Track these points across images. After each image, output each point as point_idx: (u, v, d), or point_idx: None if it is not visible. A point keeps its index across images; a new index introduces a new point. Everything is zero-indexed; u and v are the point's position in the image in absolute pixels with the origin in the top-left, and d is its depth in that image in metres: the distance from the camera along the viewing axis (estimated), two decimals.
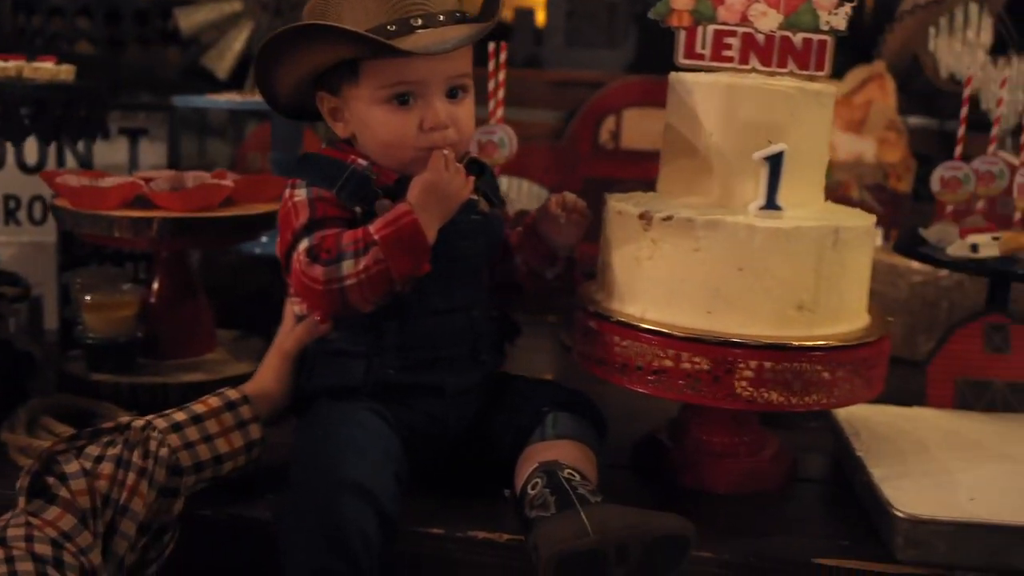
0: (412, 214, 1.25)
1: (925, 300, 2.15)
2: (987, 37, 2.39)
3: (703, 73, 1.44)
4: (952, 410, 1.66)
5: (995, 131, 1.80)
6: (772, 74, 1.44)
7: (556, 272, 1.51)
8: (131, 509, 1.18)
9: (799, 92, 1.36)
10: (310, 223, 1.30)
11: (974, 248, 1.65)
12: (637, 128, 2.45)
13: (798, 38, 1.44)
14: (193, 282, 1.78)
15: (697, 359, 1.32)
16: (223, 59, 2.45)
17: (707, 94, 1.39)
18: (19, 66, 1.86)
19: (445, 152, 1.30)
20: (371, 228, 1.26)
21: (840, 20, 1.43)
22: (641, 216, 1.37)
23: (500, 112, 1.84)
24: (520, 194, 2.49)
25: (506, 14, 2.73)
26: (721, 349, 1.31)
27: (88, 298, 1.67)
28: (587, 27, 2.90)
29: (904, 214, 2.36)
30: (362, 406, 1.33)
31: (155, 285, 1.76)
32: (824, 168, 1.46)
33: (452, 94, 1.33)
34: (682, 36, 1.45)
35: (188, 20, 2.46)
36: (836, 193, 2.37)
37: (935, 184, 1.76)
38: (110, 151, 2.27)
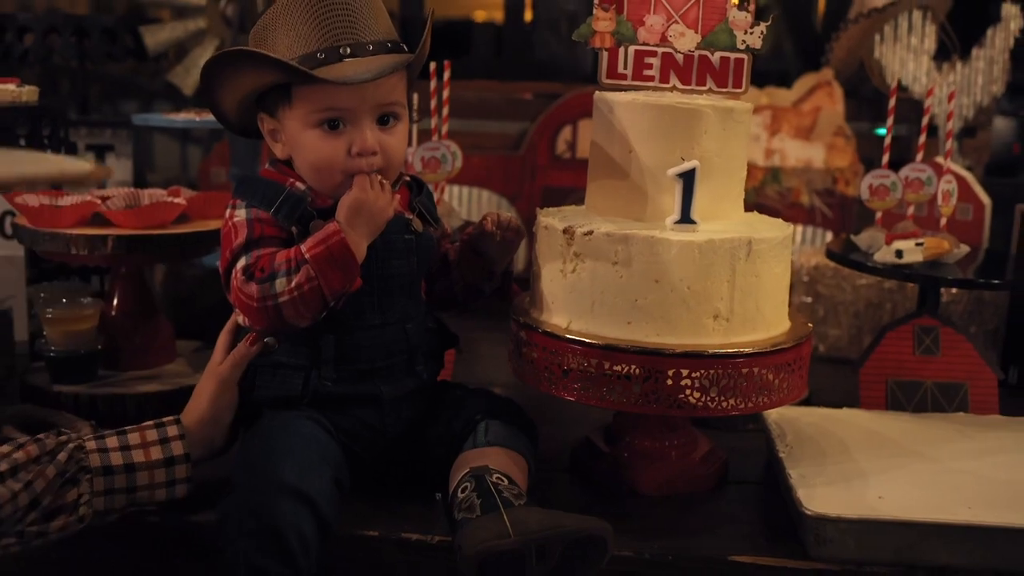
0: (340, 233, 1.32)
1: (869, 302, 2.21)
2: (931, 44, 2.45)
3: (623, 92, 1.50)
4: (880, 411, 1.72)
5: (949, 143, 1.86)
6: (692, 91, 1.51)
7: (493, 286, 1.58)
8: (32, 485, 1.22)
9: (712, 110, 1.42)
10: (248, 242, 1.37)
11: (899, 254, 1.71)
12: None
13: (716, 57, 1.51)
14: (151, 296, 1.85)
15: (618, 367, 1.39)
16: (188, 75, 2.51)
17: (626, 112, 1.46)
18: None
19: (370, 173, 1.36)
20: (303, 247, 1.32)
21: (755, 39, 1.50)
22: (564, 231, 1.44)
23: (445, 128, 1.90)
24: (480, 203, 2.55)
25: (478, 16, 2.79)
26: (640, 357, 1.38)
27: (49, 313, 1.74)
28: (548, 38, 2.97)
29: (852, 218, 2.42)
30: (302, 414, 1.40)
31: (114, 299, 1.83)
32: (742, 181, 1.53)
33: (383, 121, 1.40)
34: (604, 57, 1.51)
35: (154, 38, 2.52)
36: (786, 199, 2.44)
37: (864, 192, 1.82)
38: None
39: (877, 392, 1.78)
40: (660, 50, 1.51)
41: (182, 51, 2.54)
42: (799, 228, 2.46)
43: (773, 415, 1.65)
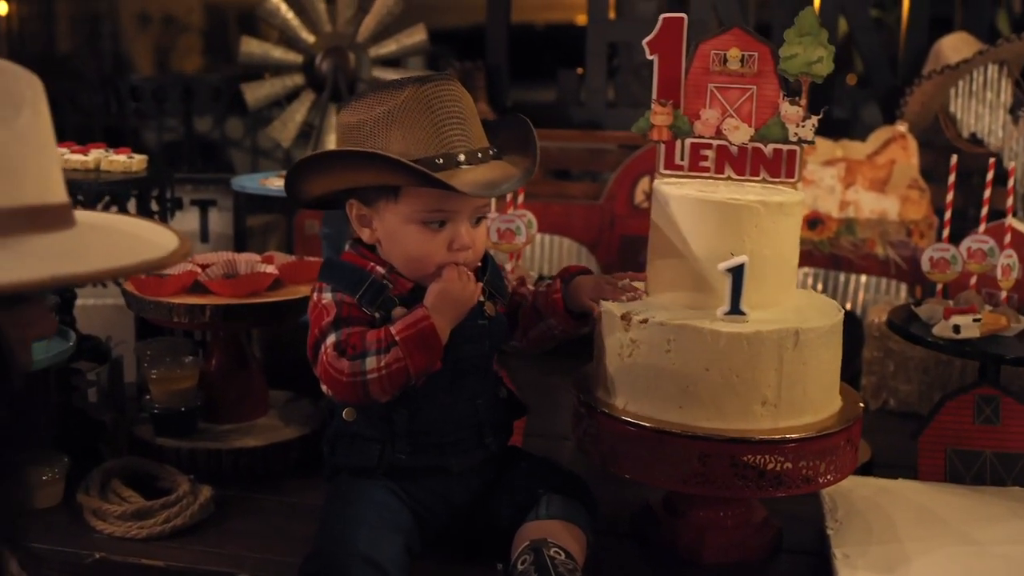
0: (430, 318, 1.44)
1: (939, 359, 2.24)
2: (1007, 97, 2.46)
3: (678, 184, 1.58)
4: (935, 483, 1.76)
5: (1010, 201, 1.88)
6: (746, 181, 1.58)
7: (592, 326, 1.66)
8: None
9: (762, 205, 1.50)
10: (337, 320, 1.49)
11: (956, 329, 1.75)
12: None
13: (769, 149, 1.58)
14: (246, 356, 2.00)
15: (669, 451, 1.47)
16: (286, 129, 2.66)
17: (679, 206, 1.54)
18: (98, 158, 2.11)
19: (459, 263, 1.47)
20: (392, 329, 1.44)
21: (807, 131, 1.56)
22: (622, 317, 1.53)
23: (521, 198, 2.00)
24: (561, 251, 2.65)
25: None
26: (690, 441, 1.46)
27: (154, 373, 1.90)
28: (631, 87, 3.05)
29: None
30: (377, 484, 1.53)
31: (212, 359, 1.98)
32: (793, 269, 1.59)
33: (477, 220, 1.52)
34: (662, 149, 1.60)
35: (254, 94, 2.68)
36: (861, 251, 2.47)
37: (925, 264, 1.86)
38: (184, 220, 2.52)
39: (936, 461, 1.82)
40: (715, 142, 1.59)
41: (280, 106, 2.69)
42: (872, 280, 2.49)
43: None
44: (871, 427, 2.19)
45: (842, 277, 2.51)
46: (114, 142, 2.29)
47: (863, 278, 2.49)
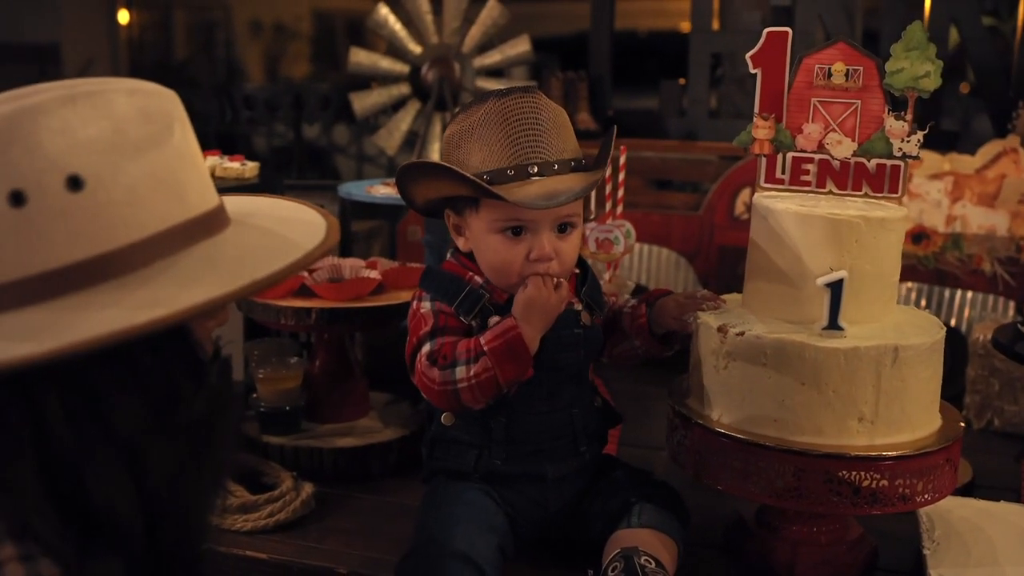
0: (517, 328, 1.47)
1: None
2: None
3: (779, 198, 1.58)
4: None
5: None
6: (847, 196, 1.57)
7: (679, 347, 1.68)
8: None
9: (863, 220, 1.49)
10: (433, 330, 1.53)
11: None
12: None
13: (872, 164, 1.57)
14: (348, 358, 2.06)
15: (764, 465, 1.47)
16: (392, 137, 2.73)
17: (780, 220, 1.54)
18: (213, 165, 2.19)
19: (543, 272, 1.50)
20: (482, 339, 1.48)
21: (912, 147, 1.55)
22: (719, 329, 1.54)
23: (620, 209, 2.02)
24: (660, 261, 2.66)
25: None
26: (784, 455, 1.46)
27: (261, 373, 1.97)
28: (737, 95, 3.04)
29: None
30: (473, 486, 1.57)
31: (316, 360, 2.04)
32: (894, 286, 1.58)
33: (561, 228, 1.53)
34: (763, 163, 1.60)
35: (362, 103, 2.75)
36: (967, 266, 2.42)
37: None
38: None
39: None
40: (817, 156, 1.59)
41: (386, 115, 2.76)
42: (978, 296, 2.44)
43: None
44: (974, 447, 2.15)
45: (947, 293, 2.46)
46: (227, 148, 2.38)
47: (969, 294, 2.44)
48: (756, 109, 1.60)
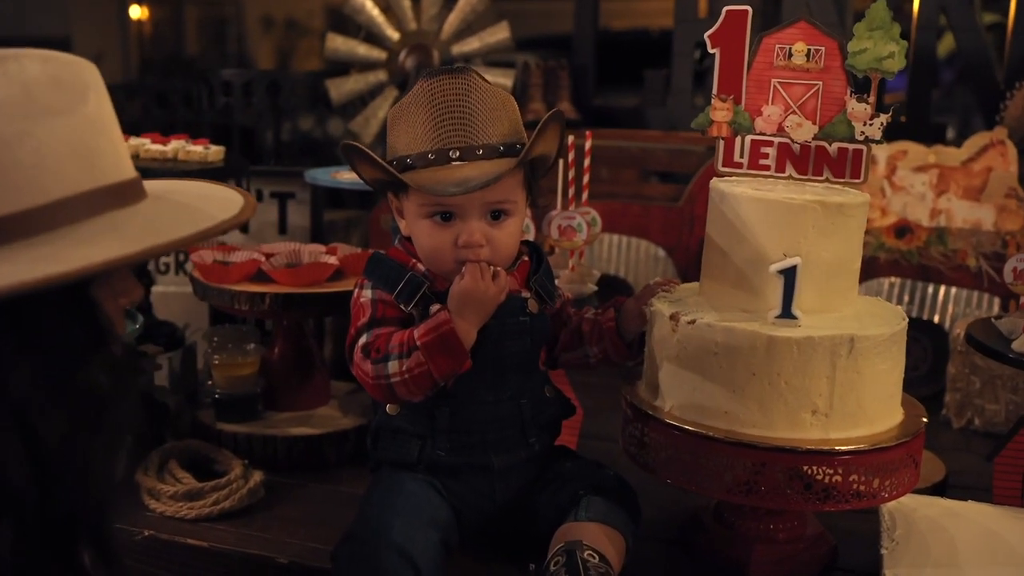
0: (450, 322, 1.42)
1: None
2: None
3: (736, 182, 1.53)
4: (1009, 508, 1.66)
5: None
6: (808, 181, 1.52)
7: (635, 361, 1.64)
8: None
9: (820, 206, 1.43)
10: (371, 321, 1.49)
11: None
12: None
13: (833, 148, 1.51)
14: (307, 345, 2.02)
15: (715, 459, 1.42)
16: (368, 125, 2.68)
17: (734, 204, 1.48)
18: (176, 148, 2.15)
19: (480, 262, 1.45)
20: (415, 333, 1.43)
21: (875, 131, 1.49)
22: (671, 317, 1.48)
23: (585, 195, 1.97)
24: (638, 253, 2.60)
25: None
26: (735, 449, 1.41)
27: (216, 359, 1.93)
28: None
29: None
30: (417, 477, 1.52)
31: (275, 347, 2.00)
32: (854, 274, 1.52)
33: (494, 215, 1.48)
34: (721, 146, 1.55)
35: (339, 90, 2.71)
36: (952, 261, 2.36)
37: (1008, 275, 1.76)
38: (263, 212, 2.55)
39: (1012, 484, 1.72)
40: (777, 140, 1.53)
41: (363, 102, 2.72)
42: (963, 293, 2.37)
43: (889, 503, 1.63)
44: (951, 446, 2.10)
45: (931, 289, 2.40)
46: (224, 141, 2.35)
47: (953, 290, 2.38)
48: (714, 90, 1.55)
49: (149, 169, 2.05)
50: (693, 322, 1.45)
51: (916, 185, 2.39)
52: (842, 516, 1.64)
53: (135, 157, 2.16)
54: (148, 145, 2.17)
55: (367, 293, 1.52)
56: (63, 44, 5.37)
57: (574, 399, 1.71)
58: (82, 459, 0.98)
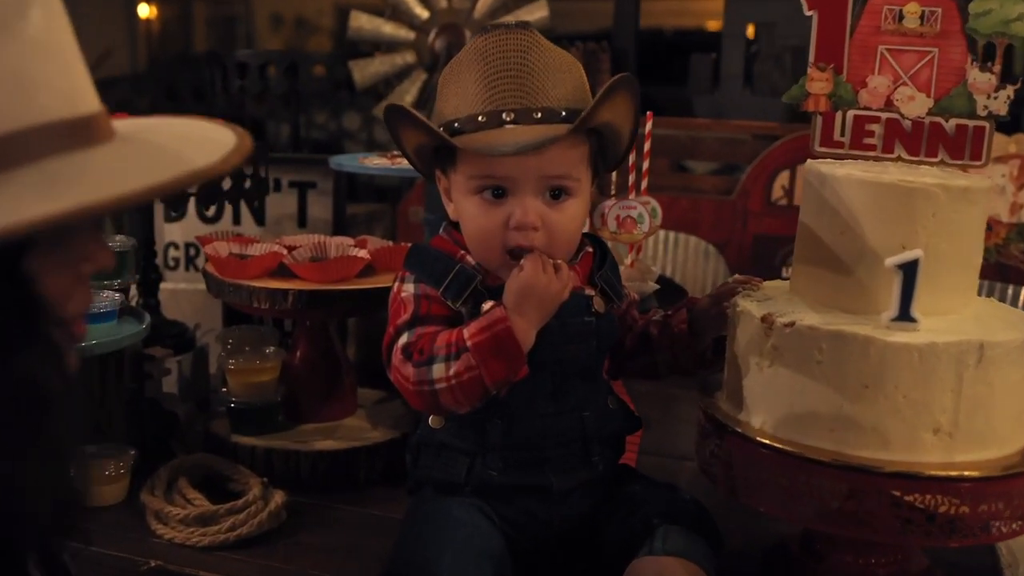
0: (506, 320, 1.21)
1: None
2: None
3: (839, 164, 1.32)
4: None
5: None
6: (921, 163, 1.31)
7: (709, 369, 1.45)
8: None
9: (942, 190, 1.22)
10: (413, 318, 1.29)
11: None
12: None
13: (951, 124, 1.31)
14: (333, 348, 1.81)
15: (816, 483, 1.21)
16: None
17: (839, 188, 1.28)
18: None
19: (543, 254, 1.25)
20: (465, 332, 1.23)
21: (1000, 105, 1.29)
22: (763, 319, 1.28)
23: (645, 183, 1.76)
24: (687, 251, 2.40)
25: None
26: (842, 473, 1.20)
27: (231, 364, 1.73)
28: (772, 71, 2.78)
29: None
30: (465, 502, 1.31)
31: (297, 351, 1.80)
32: (976, 270, 1.31)
33: (555, 194, 1.28)
34: (819, 122, 1.34)
35: (362, 72, 2.52)
36: None
37: None
38: (282, 203, 2.36)
39: None
40: (884, 115, 1.33)
41: (389, 86, 2.52)
42: None
43: None
44: None
45: (1010, 290, 2.19)
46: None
47: None
48: (811, 58, 1.35)
49: None
50: (791, 325, 1.24)
51: (995, 177, 2.19)
52: (950, 549, 1.44)
53: None
54: None
55: (409, 287, 1.32)
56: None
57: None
58: (11, 458, 0.79)
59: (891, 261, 1.20)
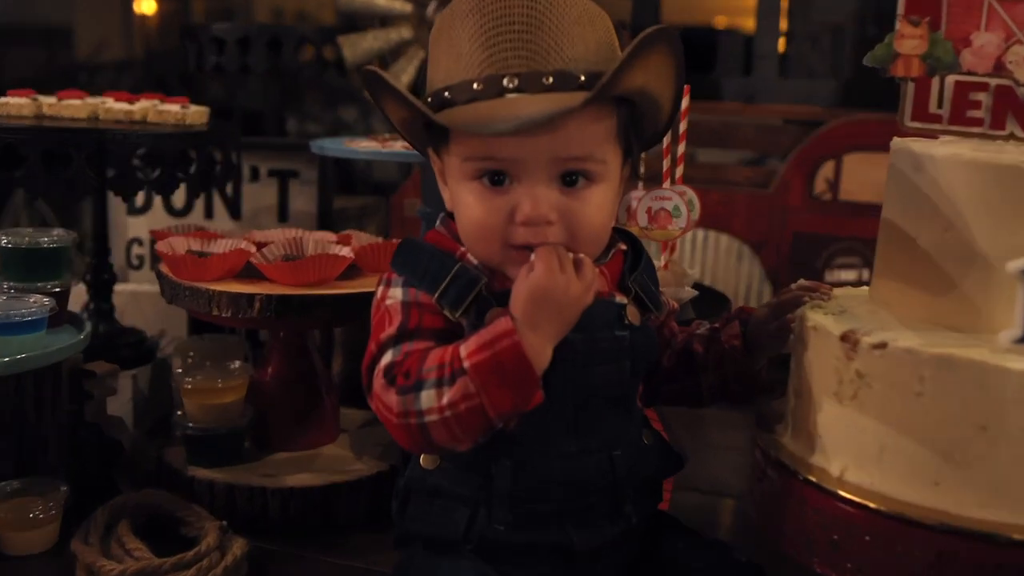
0: (514, 334, 0.94)
1: None
2: None
3: (937, 142, 1.05)
4: None
5: None
6: None
7: (765, 395, 1.18)
8: None
9: None
10: (400, 332, 1.02)
11: None
12: (861, 176, 2.04)
13: None
14: (312, 364, 1.55)
15: (917, 550, 0.94)
16: None
17: (943, 172, 1.01)
18: (145, 108, 1.69)
19: (559, 247, 0.98)
20: (462, 349, 0.95)
21: None
22: (843, 338, 1.01)
23: (680, 171, 1.49)
24: (717, 251, 2.13)
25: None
26: (953, 539, 0.93)
27: (188, 383, 1.46)
28: (808, 53, 2.50)
29: None
30: (465, 564, 1.04)
31: (268, 367, 1.53)
32: None
33: (568, 180, 1.01)
34: (910, 90, 1.07)
35: (353, 49, 2.25)
36: None
37: None
38: (260, 194, 2.09)
39: None
40: (993, 82, 1.05)
41: (383, 64, 2.25)
42: None
43: None
44: None
45: None
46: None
47: None
48: (900, 10, 1.07)
49: (105, 131, 1.60)
50: (883, 346, 0.97)
51: None
52: None
53: (94, 119, 1.70)
54: (110, 104, 1.71)
55: (396, 292, 1.05)
56: (67, 33, 5.07)
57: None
58: None
59: (1013, 266, 0.93)
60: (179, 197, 2.04)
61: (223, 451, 1.47)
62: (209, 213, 2.08)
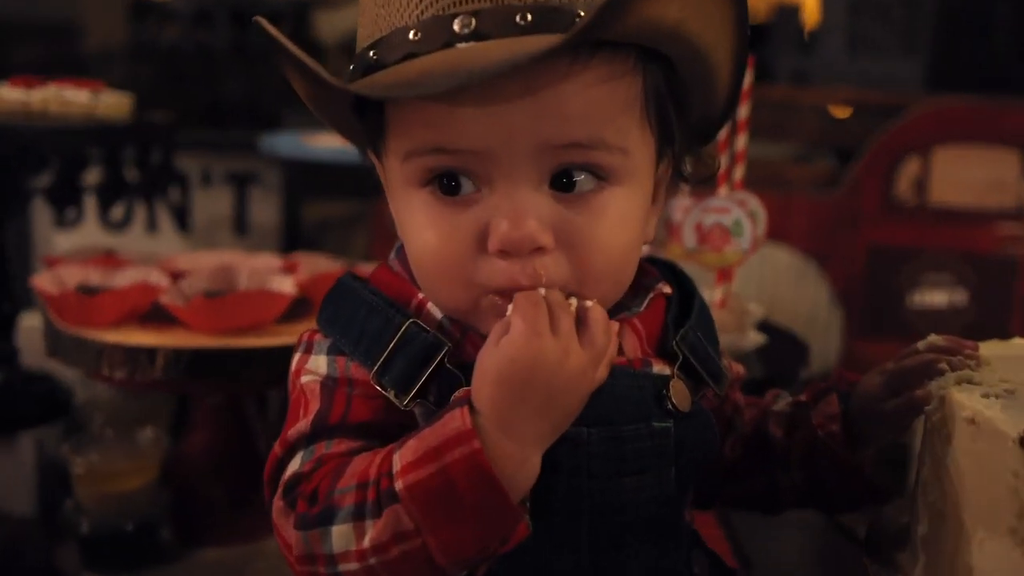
0: (472, 438, 0.59)
1: None
2: None
3: None
4: None
5: None
6: None
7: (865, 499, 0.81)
8: None
9: None
10: (315, 427, 0.68)
11: None
12: (953, 175, 1.68)
13: None
14: (249, 433, 1.18)
15: None
16: None
17: None
18: (45, 98, 1.34)
19: (551, 294, 0.62)
20: (396, 458, 0.61)
21: None
22: (1022, 442, 0.62)
23: (740, 172, 1.11)
24: (774, 268, 1.74)
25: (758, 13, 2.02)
26: None
27: (79, 464, 1.09)
28: (878, 27, 2.12)
29: None
30: None
31: (191, 436, 1.17)
32: None
33: (566, 181, 0.64)
34: None
35: (331, 26, 1.90)
36: None
37: None
38: (215, 202, 1.73)
39: None
40: None
41: None
42: None
43: None
44: None
45: None
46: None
47: None
48: None
49: (6, 126, 1.26)
50: None
51: None
52: None
53: None
54: (4, 93, 1.36)
55: (318, 364, 0.71)
56: (70, 30, 5.04)
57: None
58: None
59: None
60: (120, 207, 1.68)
61: (131, 554, 1.10)
62: (152, 225, 1.72)
